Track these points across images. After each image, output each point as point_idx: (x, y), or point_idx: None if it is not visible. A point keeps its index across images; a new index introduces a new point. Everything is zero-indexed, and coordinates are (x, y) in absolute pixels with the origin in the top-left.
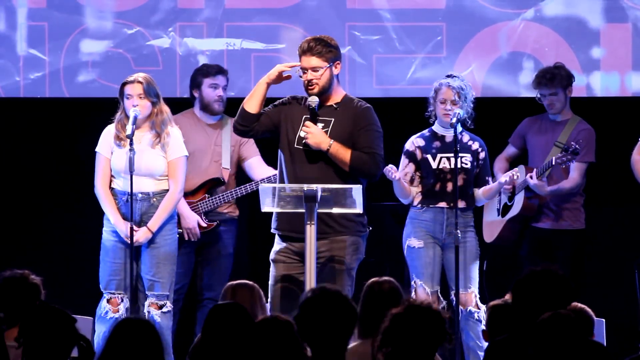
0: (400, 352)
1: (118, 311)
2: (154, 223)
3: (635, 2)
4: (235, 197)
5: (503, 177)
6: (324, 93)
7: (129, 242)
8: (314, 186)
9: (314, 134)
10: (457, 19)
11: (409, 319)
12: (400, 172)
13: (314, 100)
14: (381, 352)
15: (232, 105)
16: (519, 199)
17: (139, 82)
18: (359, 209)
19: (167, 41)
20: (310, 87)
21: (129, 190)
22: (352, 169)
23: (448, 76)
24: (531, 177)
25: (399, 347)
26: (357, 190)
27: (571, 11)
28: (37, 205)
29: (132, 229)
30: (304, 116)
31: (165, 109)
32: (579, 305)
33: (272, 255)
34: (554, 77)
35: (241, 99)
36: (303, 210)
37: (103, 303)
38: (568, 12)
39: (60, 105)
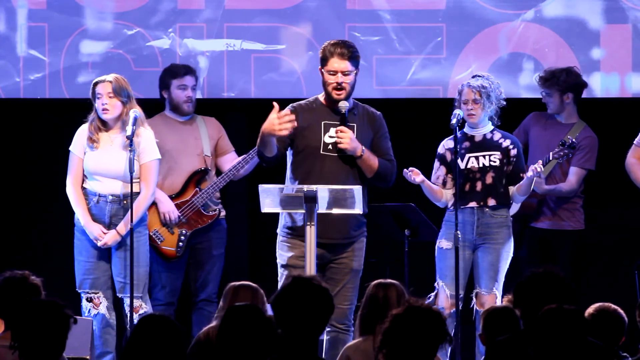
0: (401, 352)
1: (99, 310)
2: (123, 226)
3: (635, 3)
4: (228, 180)
5: (530, 171)
6: (347, 98)
7: (98, 244)
8: (314, 187)
9: (351, 139)
10: (457, 19)
11: (409, 320)
12: (433, 176)
13: (344, 106)
14: (381, 353)
15: (233, 106)
16: None
17: (109, 81)
18: (359, 210)
19: (167, 42)
20: (338, 92)
21: (100, 192)
22: (377, 175)
23: (473, 77)
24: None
25: (399, 348)
26: (357, 191)
27: (571, 12)
28: (37, 205)
29: (132, 230)
30: (323, 121)
31: (136, 109)
32: (612, 306)
33: (287, 260)
34: (549, 79)
35: (242, 100)
36: (335, 213)
37: (84, 303)
38: (568, 13)
39: (61, 106)
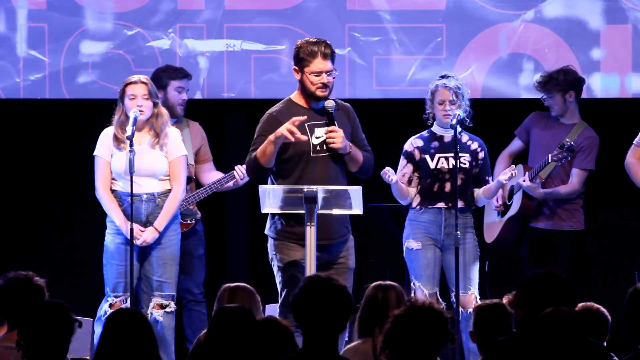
0: (403, 353)
1: None
2: (161, 223)
3: (635, 3)
4: (211, 192)
5: (502, 176)
6: (329, 96)
7: (137, 243)
8: (314, 187)
9: (343, 138)
10: (457, 20)
11: (411, 320)
12: (399, 173)
13: (331, 105)
14: (384, 354)
15: (233, 106)
16: (518, 198)
17: (144, 82)
18: (359, 210)
19: (167, 42)
20: (323, 90)
21: (134, 192)
22: (361, 169)
23: (442, 77)
24: (524, 180)
25: (402, 348)
26: (358, 192)
27: (571, 12)
28: (37, 206)
29: (132, 230)
30: (306, 123)
31: (163, 110)
32: (595, 305)
33: (288, 262)
34: (548, 82)
35: (241, 100)
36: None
37: (105, 306)
38: (568, 13)
39: (60, 107)
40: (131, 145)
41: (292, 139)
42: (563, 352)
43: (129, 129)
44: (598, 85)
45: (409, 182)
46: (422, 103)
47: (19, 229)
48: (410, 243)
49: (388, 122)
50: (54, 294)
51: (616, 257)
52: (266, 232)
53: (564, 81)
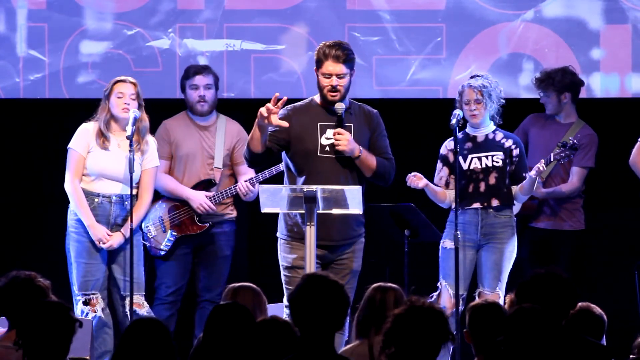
0: (403, 353)
1: (96, 312)
2: (128, 229)
3: (635, 3)
4: (226, 196)
5: (532, 171)
6: (342, 99)
7: (101, 245)
8: (313, 187)
9: (349, 141)
10: (456, 20)
11: (411, 320)
12: (436, 177)
13: (340, 108)
14: (384, 354)
15: (233, 106)
16: None
17: (132, 82)
18: (359, 210)
19: (166, 42)
20: (333, 94)
21: (104, 193)
22: (375, 174)
23: (472, 77)
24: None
25: (402, 348)
26: (357, 191)
27: (571, 12)
28: (37, 206)
29: (132, 230)
30: (319, 123)
31: (146, 116)
32: (591, 305)
33: (292, 262)
34: (544, 80)
35: (241, 100)
36: (333, 213)
37: (80, 306)
38: (568, 13)
39: (60, 107)
40: (131, 145)
41: (266, 118)
42: (533, 348)
43: (129, 129)
44: (598, 85)
45: (447, 185)
46: (422, 103)
47: (19, 229)
48: (446, 243)
49: (388, 122)
50: (54, 294)
51: (616, 257)
52: (277, 234)
53: (559, 82)
